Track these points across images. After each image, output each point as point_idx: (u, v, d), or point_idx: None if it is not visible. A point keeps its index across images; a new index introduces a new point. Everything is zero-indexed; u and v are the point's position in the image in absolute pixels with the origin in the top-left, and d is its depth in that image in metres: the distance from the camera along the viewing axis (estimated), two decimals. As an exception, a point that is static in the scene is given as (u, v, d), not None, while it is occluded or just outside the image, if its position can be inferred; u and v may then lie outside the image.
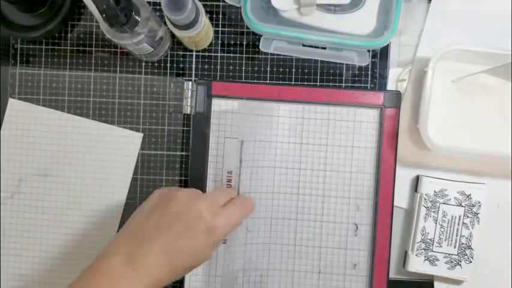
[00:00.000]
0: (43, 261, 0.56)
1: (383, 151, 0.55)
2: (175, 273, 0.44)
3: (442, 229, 0.53)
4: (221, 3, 0.56)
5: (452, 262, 0.53)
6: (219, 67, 0.57)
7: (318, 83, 0.57)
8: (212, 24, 0.56)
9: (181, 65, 0.57)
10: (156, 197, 0.47)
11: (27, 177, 0.57)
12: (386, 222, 0.54)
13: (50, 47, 0.57)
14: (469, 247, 0.53)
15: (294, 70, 0.57)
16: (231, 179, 0.55)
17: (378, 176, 0.55)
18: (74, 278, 0.55)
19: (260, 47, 0.53)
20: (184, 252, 0.44)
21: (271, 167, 0.55)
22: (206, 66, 0.57)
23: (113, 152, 0.57)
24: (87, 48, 0.57)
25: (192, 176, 0.55)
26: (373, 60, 0.56)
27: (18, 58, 0.57)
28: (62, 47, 0.57)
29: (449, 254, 0.53)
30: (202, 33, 0.51)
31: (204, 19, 0.49)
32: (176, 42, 0.57)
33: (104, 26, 0.47)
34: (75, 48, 0.57)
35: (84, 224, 0.56)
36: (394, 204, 0.54)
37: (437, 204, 0.53)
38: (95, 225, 0.56)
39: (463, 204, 0.53)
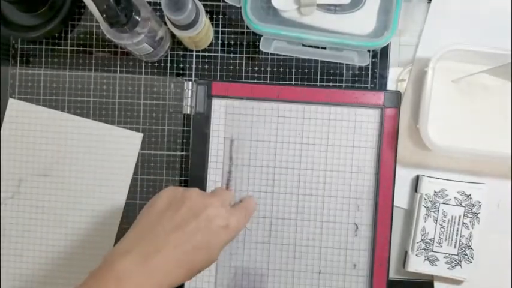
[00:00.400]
0: (43, 261, 0.56)
1: (383, 151, 0.55)
2: (188, 273, 0.43)
3: (442, 229, 0.53)
4: (221, 3, 0.56)
5: (452, 262, 0.53)
6: (219, 67, 0.57)
7: (318, 83, 0.57)
8: (212, 24, 0.56)
9: (181, 65, 0.57)
10: (165, 198, 0.46)
11: (27, 177, 0.57)
12: (386, 222, 0.54)
13: (50, 47, 0.57)
14: (469, 247, 0.53)
15: (294, 70, 0.57)
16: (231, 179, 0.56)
17: (378, 176, 0.55)
18: (74, 277, 0.55)
19: (260, 47, 0.53)
20: (199, 249, 0.44)
21: (271, 166, 0.55)
22: (206, 66, 0.57)
23: (113, 152, 0.57)
24: (87, 48, 0.57)
25: (192, 176, 0.55)
26: (373, 60, 0.56)
27: (18, 58, 0.57)
28: (62, 47, 0.57)
29: (449, 254, 0.53)
30: (202, 33, 0.51)
31: (204, 19, 0.49)
32: (176, 42, 0.57)
33: (104, 26, 0.47)
34: (75, 48, 0.57)
35: (84, 224, 0.56)
36: (394, 204, 0.54)
37: (437, 204, 0.53)
38: (95, 225, 0.56)
39: (463, 204, 0.53)
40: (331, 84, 0.57)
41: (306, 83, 0.57)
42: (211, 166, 0.55)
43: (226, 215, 0.46)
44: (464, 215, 0.53)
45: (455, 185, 0.53)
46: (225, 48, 0.57)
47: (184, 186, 0.57)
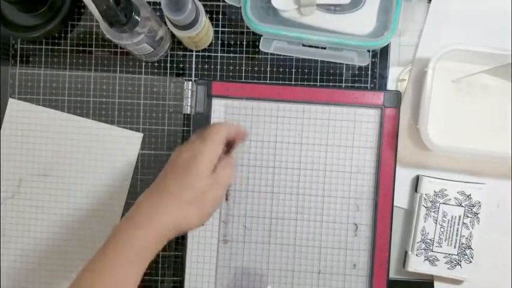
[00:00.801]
0: (43, 262, 0.56)
1: (383, 151, 0.55)
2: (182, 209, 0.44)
3: (442, 229, 0.53)
4: (221, 3, 0.56)
5: (452, 262, 0.53)
6: (219, 67, 0.57)
7: (318, 83, 0.57)
8: (212, 24, 0.56)
9: (181, 65, 0.57)
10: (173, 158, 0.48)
11: (27, 177, 0.57)
12: (386, 222, 0.54)
13: (50, 47, 0.57)
14: (469, 247, 0.53)
15: (294, 70, 0.57)
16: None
17: (378, 176, 0.55)
18: (74, 278, 0.55)
19: (260, 47, 0.53)
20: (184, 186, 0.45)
21: (271, 166, 0.55)
22: (206, 66, 0.57)
23: (112, 152, 0.57)
24: (87, 48, 0.57)
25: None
26: (373, 60, 0.56)
27: (18, 58, 0.57)
28: (62, 47, 0.57)
29: (449, 254, 0.53)
30: (202, 33, 0.51)
31: (204, 19, 0.49)
32: (176, 42, 0.57)
33: (103, 26, 0.47)
34: (75, 48, 0.57)
35: (84, 224, 0.56)
36: (394, 204, 0.54)
37: (437, 204, 0.53)
38: (95, 225, 0.56)
39: (463, 204, 0.53)
40: (331, 84, 0.57)
41: (306, 83, 0.57)
42: (211, 166, 0.55)
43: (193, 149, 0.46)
44: (464, 215, 0.53)
45: (455, 185, 0.53)
46: (225, 48, 0.57)
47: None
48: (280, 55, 0.56)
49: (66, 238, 0.56)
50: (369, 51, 0.55)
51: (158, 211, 0.43)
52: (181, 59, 0.57)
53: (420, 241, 0.53)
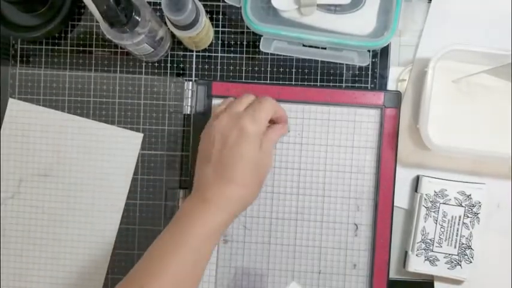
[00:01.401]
0: (43, 261, 0.56)
1: (383, 151, 0.55)
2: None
3: (442, 229, 0.53)
4: (221, 3, 0.56)
5: (452, 262, 0.53)
6: (219, 67, 0.57)
7: (318, 83, 0.57)
8: (212, 24, 0.56)
9: (181, 65, 0.57)
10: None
11: (27, 177, 0.57)
12: (386, 222, 0.54)
13: (50, 47, 0.57)
14: (469, 247, 0.53)
15: (294, 70, 0.57)
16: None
17: (378, 176, 0.55)
18: (74, 277, 0.55)
19: (260, 47, 0.53)
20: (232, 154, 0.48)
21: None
22: (206, 66, 0.57)
23: (112, 152, 0.57)
24: (87, 48, 0.57)
25: (192, 176, 0.55)
26: (374, 60, 0.56)
27: (18, 58, 0.57)
28: (62, 47, 0.57)
29: (450, 254, 0.53)
30: (202, 33, 0.51)
31: (204, 19, 0.49)
32: (176, 42, 0.57)
33: (104, 26, 0.47)
34: (75, 48, 0.57)
35: (84, 224, 0.56)
36: (394, 204, 0.55)
37: (438, 205, 0.53)
38: (94, 225, 0.56)
39: (463, 205, 0.53)
40: (331, 84, 0.57)
41: (306, 83, 0.57)
42: (211, 166, 0.55)
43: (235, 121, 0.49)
44: (464, 215, 0.53)
45: (455, 185, 0.53)
46: (225, 48, 0.57)
47: (184, 186, 0.57)
48: (281, 55, 0.56)
49: (66, 238, 0.56)
50: (369, 51, 0.55)
51: (225, 193, 0.47)
52: (181, 59, 0.57)
53: (420, 241, 0.53)
